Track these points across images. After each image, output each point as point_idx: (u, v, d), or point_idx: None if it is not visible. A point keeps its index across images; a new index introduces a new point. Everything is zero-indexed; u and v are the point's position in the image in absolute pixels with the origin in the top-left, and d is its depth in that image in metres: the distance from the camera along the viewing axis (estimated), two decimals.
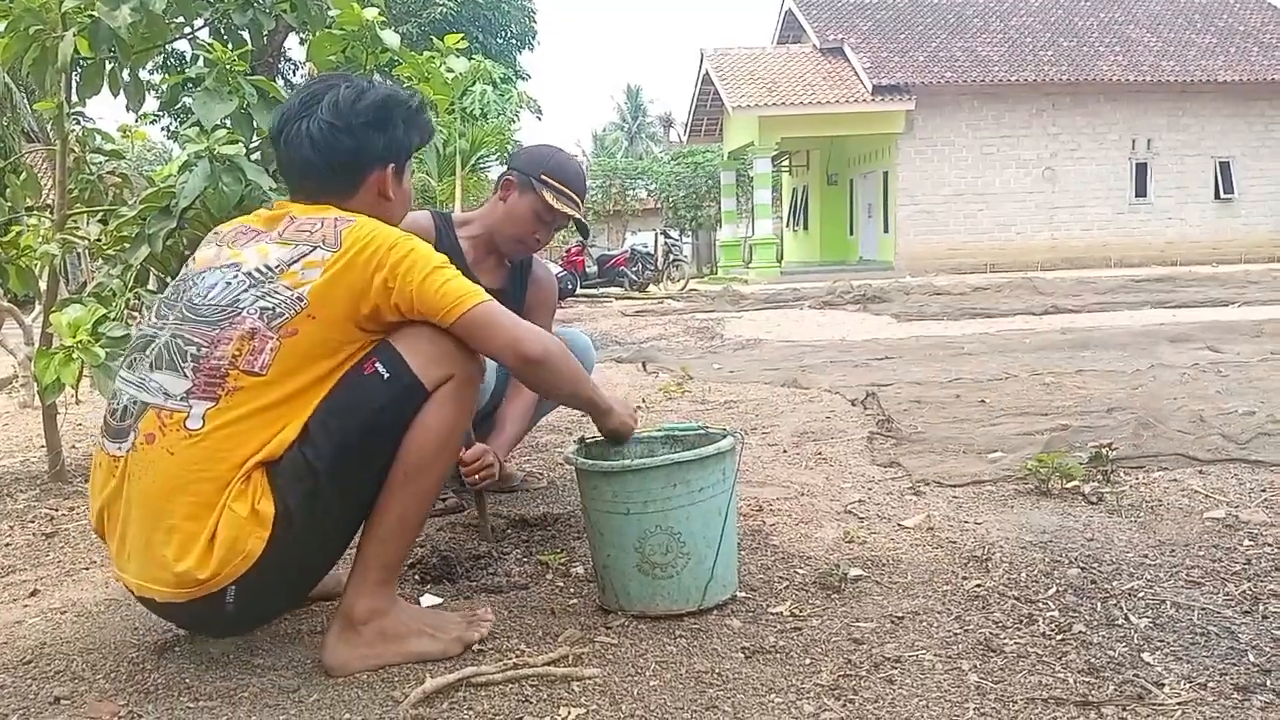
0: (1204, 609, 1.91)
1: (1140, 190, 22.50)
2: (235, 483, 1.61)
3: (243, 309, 1.67)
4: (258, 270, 1.70)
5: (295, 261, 1.69)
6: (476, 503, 2.57)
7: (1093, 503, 2.67)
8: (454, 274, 1.75)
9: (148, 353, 1.72)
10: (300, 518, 1.64)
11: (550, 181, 2.62)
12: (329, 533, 1.73)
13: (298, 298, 1.66)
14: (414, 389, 1.70)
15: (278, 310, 1.66)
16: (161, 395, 1.66)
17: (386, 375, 1.69)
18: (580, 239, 23.69)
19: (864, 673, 1.69)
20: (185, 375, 1.65)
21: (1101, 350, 6.31)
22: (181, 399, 1.64)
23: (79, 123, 3.66)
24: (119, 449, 1.68)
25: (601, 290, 19.09)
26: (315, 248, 1.70)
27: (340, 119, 1.80)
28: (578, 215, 2.68)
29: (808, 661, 1.75)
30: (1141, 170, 22.47)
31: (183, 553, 1.60)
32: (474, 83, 19.62)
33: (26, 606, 2.24)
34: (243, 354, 1.63)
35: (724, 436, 2.09)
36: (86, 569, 2.52)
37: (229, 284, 1.70)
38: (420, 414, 1.71)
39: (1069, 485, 2.78)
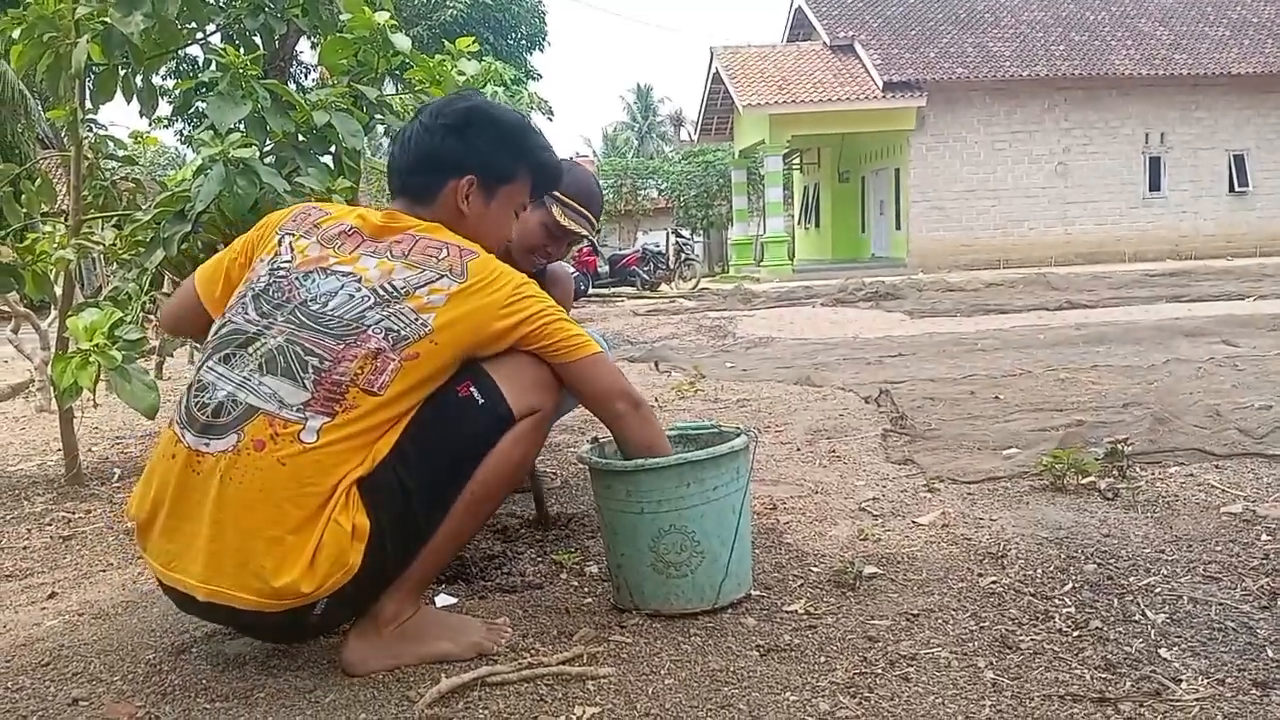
0: (1221, 604, 1.90)
1: (1154, 184, 22.39)
2: (338, 496, 1.61)
3: (368, 327, 1.66)
4: (383, 288, 1.69)
5: (422, 286, 1.70)
6: (533, 485, 2.61)
7: (1109, 498, 2.66)
8: (572, 321, 1.83)
9: (252, 352, 1.68)
10: (391, 533, 1.66)
11: (561, 198, 2.58)
12: (411, 547, 1.72)
13: (423, 324, 1.67)
14: (504, 417, 1.74)
15: (403, 333, 1.66)
16: (275, 403, 1.63)
17: (481, 401, 1.72)
18: (590, 240, 23.81)
19: (879, 670, 1.69)
20: (305, 387, 1.63)
21: (1116, 345, 6.28)
22: (298, 410, 1.62)
23: (92, 129, 3.68)
24: (207, 446, 1.63)
25: (613, 290, 19.09)
26: (442, 275, 1.71)
27: (430, 119, 1.85)
28: (586, 234, 2.63)
29: (823, 659, 1.74)
30: (1155, 164, 22.36)
31: (285, 566, 1.58)
32: (485, 85, 19.67)
33: (44, 609, 2.26)
34: (364, 372, 1.64)
35: (737, 435, 2.08)
36: (104, 571, 2.53)
37: (352, 297, 1.69)
38: (500, 443, 1.74)
39: (1085, 481, 2.77)
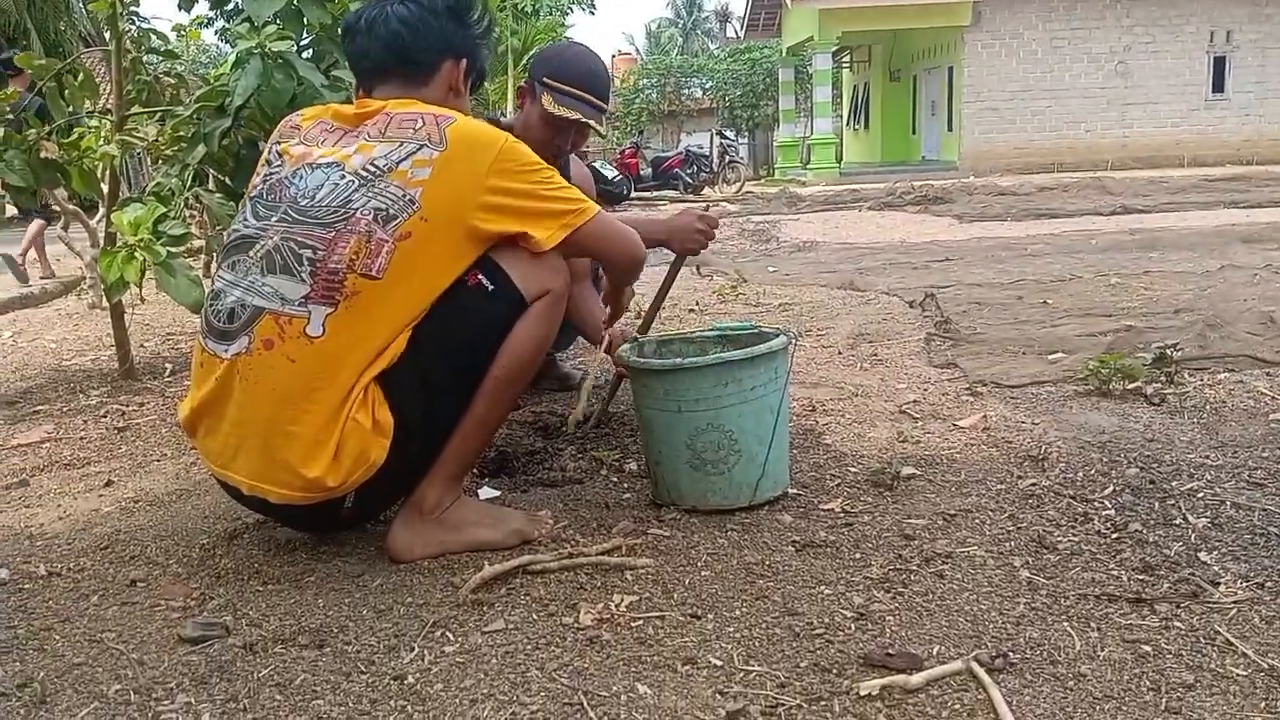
0: (1265, 510, 1.88)
1: (1218, 85, 21.47)
2: (356, 392, 1.64)
3: (355, 209, 1.67)
4: (365, 169, 1.69)
5: (404, 160, 1.69)
6: (613, 384, 2.63)
7: (1155, 404, 2.62)
8: (564, 182, 1.79)
9: (252, 254, 1.71)
10: (416, 425, 1.70)
11: (552, 84, 2.44)
12: (438, 437, 1.77)
13: (409, 199, 1.66)
14: (516, 300, 1.75)
15: (391, 212, 1.66)
16: (278, 300, 1.66)
17: (490, 288, 1.73)
18: (633, 141, 23.22)
19: (914, 567, 1.70)
20: (303, 280, 1.65)
21: (1171, 251, 6.13)
22: (300, 304, 1.64)
23: (134, 23, 3.66)
24: (225, 351, 1.69)
25: (656, 193, 18.89)
26: (422, 145, 1.70)
27: (426, 3, 1.85)
28: (579, 117, 2.45)
29: (858, 556, 1.76)
30: (1220, 64, 21.40)
31: (309, 459, 1.63)
32: None
33: (102, 496, 2.33)
34: (360, 256, 1.64)
35: (776, 336, 2.07)
36: (157, 461, 2.61)
37: (336, 184, 1.70)
38: (516, 327, 1.75)
39: (1131, 386, 2.73)
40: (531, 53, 2.59)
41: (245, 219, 1.78)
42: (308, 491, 1.66)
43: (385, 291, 1.65)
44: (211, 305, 1.75)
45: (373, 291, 1.65)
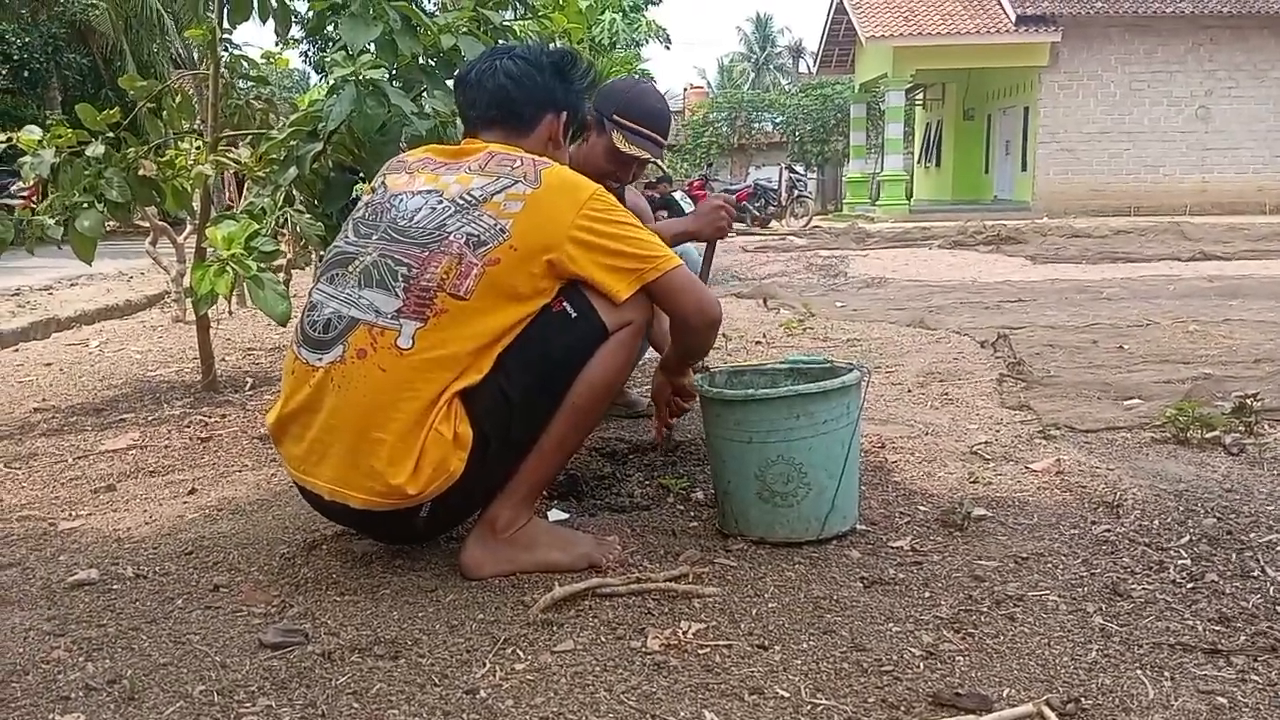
0: None
1: None
2: (440, 405, 1.72)
3: (449, 233, 1.76)
4: (462, 197, 1.79)
5: (498, 192, 1.79)
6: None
7: (1233, 454, 2.57)
8: (650, 232, 1.87)
9: (351, 270, 1.81)
10: (494, 443, 1.77)
11: (621, 121, 2.51)
12: (514, 456, 1.83)
13: (500, 228, 1.75)
14: (598, 330, 1.81)
15: (482, 238, 1.75)
16: (372, 313, 1.75)
17: (574, 315, 1.80)
18: (702, 174, 23.25)
19: (985, 609, 1.69)
20: (396, 295, 1.74)
21: (1251, 300, 5.99)
22: (392, 317, 1.73)
23: (227, 49, 3.81)
24: (319, 359, 1.78)
25: None
26: (517, 181, 1.80)
27: (533, 59, 1.98)
28: (646, 157, 2.53)
29: (927, 595, 1.76)
30: None
31: (393, 466, 1.70)
32: (604, 11, 19.50)
33: (186, 503, 2.41)
34: (450, 276, 1.73)
35: (850, 370, 2.08)
36: (239, 471, 2.69)
37: (434, 209, 1.80)
38: (597, 355, 1.82)
39: (1209, 435, 2.68)
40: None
41: (346, 237, 1.89)
42: (388, 498, 1.72)
43: (470, 312, 1.73)
44: (308, 316, 1.84)
45: (459, 311, 1.73)
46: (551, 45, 2.01)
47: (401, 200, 1.85)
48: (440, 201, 1.80)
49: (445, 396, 1.72)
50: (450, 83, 3.30)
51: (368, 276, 1.78)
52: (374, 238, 1.82)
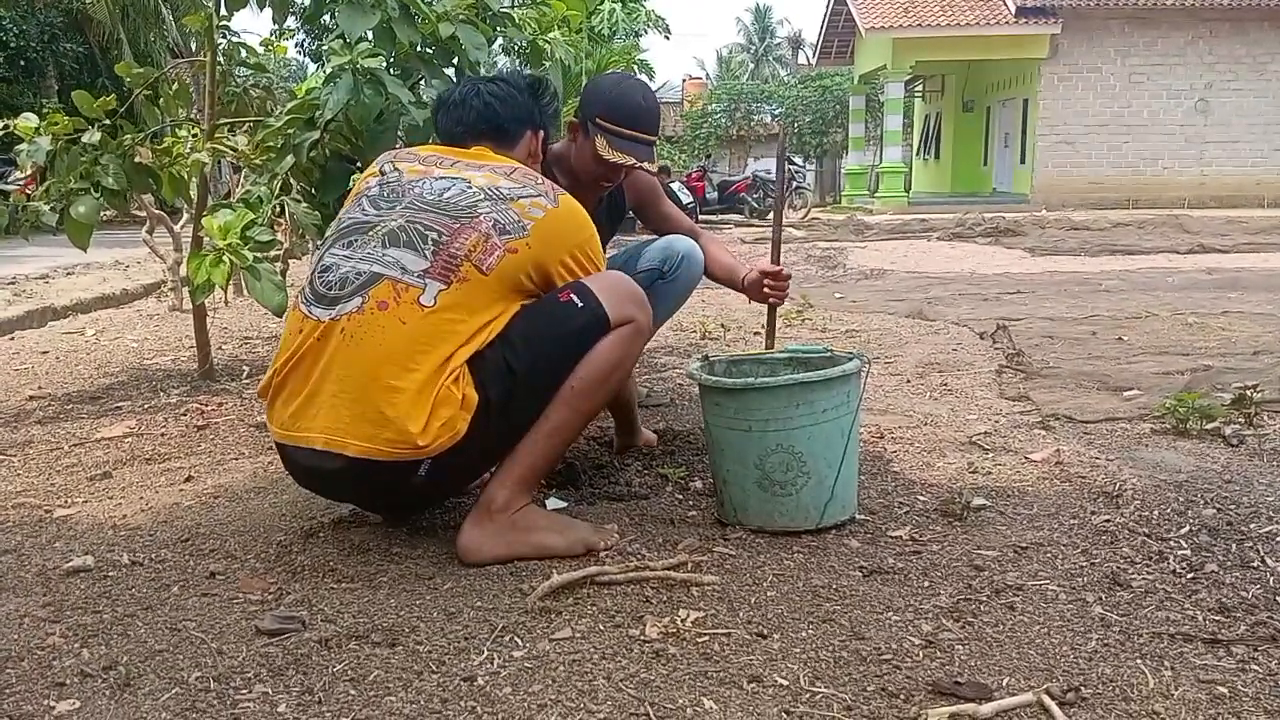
0: None
1: None
2: (452, 364, 1.76)
3: (480, 214, 1.86)
4: (491, 189, 1.90)
5: (524, 198, 1.91)
6: (769, 316, 2.74)
7: (1233, 445, 2.57)
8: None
9: (373, 234, 1.87)
10: (496, 410, 1.81)
11: (605, 125, 2.33)
12: (510, 429, 1.87)
13: (523, 225, 1.87)
14: (602, 320, 1.89)
15: (507, 227, 1.86)
16: (398, 269, 1.81)
17: (580, 305, 1.89)
18: (700, 165, 23.22)
19: (984, 598, 1.69)
20: (425, 256, 1.81)
21: (1250, 292, 5.99)
22: (419, 276, 1.80)
23: (225, 37, 3.78)
24: (329, 313, 1.80)
25: (721, 216, 18.91)
26: (541, 194, 1.93)
27: (513, 82, 2.15)
28: (632, 163, 2.34)
29: (926, 584, 1.75)
30: None
31: (403, 414, 1.73)
32: (602, 1, 19.43)
33: (182, 490, 2.40)
34: (477, 250, 1.82)
35: (849, 359, 2.08)
36: (236, 459, 2.68)
37: (464, 190, 1.90)
38: (599, 343, 1.88)
39: (1208, 426, 2.68)
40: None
41: (361, 209, 1.94)
42: (396, 446, 1.73)
43: (487, 287, 1.82)
44: (320, 278, 1.87)
45: (479, 284, 1.82)
46: (526, 71, 2.26)
47: (425, 182, 1.93)
48: (470, 188, 1.90)
49: (458, 357, 1.77)
50: (450, 71, 3.28)
51: (394, 238, 1.84)
52: (398, 207, 1.89)
